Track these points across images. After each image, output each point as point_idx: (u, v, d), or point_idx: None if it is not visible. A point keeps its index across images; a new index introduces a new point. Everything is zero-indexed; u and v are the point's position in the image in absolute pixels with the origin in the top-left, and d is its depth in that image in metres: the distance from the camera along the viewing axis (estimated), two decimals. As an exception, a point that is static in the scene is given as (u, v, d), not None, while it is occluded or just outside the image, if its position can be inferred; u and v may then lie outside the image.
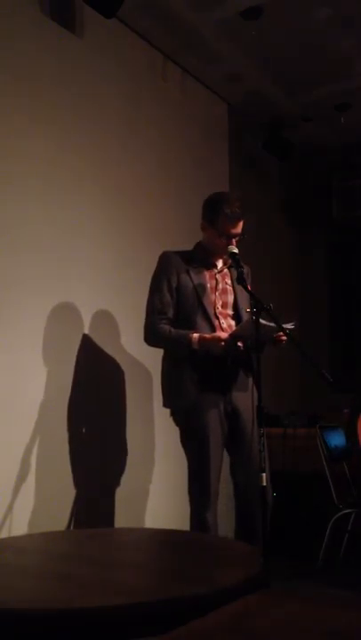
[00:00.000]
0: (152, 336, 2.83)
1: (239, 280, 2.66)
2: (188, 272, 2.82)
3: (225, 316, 2.84)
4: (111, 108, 3.61)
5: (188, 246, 2.95)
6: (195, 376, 2.72)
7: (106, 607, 1.17)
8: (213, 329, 2.75)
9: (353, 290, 5.57)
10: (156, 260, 2.90)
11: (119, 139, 3.65)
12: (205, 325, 2.75)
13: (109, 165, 3.56)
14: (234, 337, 2.66)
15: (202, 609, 1.19)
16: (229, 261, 2.82)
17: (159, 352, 2.89)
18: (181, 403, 2.75)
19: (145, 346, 2.90)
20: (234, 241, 2.79)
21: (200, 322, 2.75)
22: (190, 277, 2.81)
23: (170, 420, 2.84)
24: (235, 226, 2.79)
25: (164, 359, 2.88)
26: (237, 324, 2.81)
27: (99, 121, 3.51)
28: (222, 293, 2.87)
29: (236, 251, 2.75)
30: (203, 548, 1.87)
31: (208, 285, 2.83)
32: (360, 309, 5.52)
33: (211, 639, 1.01)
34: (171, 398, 2.82)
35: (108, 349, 3.47)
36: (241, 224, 2.81)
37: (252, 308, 2.53)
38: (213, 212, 2.80)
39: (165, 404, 2.84)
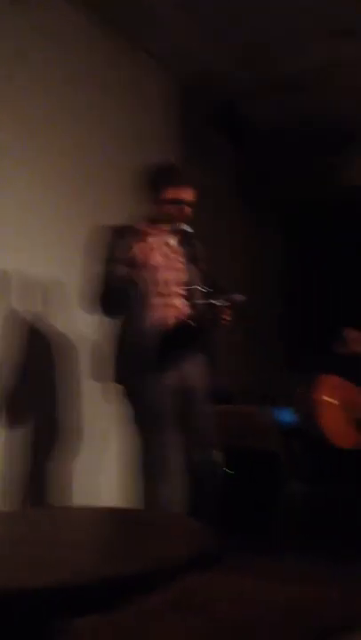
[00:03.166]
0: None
1: (191, 257, 2.64)
2: (138, 247, 2.68)
3: (177, 294, 2.80)
4: (55, 82, 3.51)
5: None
6: (147, 353, 2.67)
7: (50, 586, 1.13)
8: (167, 307, 2.71)
9: (309, 271, 5.63)
10: (94, 235, 2.78)
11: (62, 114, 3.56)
12: (158, 303, 2.71)
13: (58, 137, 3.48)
14: (185, 315, 2.64)
15: (150, 586, 1.17)
16: (181, 238, 2.78)
17: (107, 327, 2.82)
18: (133, 379, 2.71)
19: (88, 321, 2.81)
20: (186, 208, 2.74)
21: (153, 299, 2.71)
22: (141, 253, 2.72)
23: (122, 397, 2.81)
24: (185, 190, 2.74)
25: (116, 336, 2.82)
26: (189, 301, 2.79)
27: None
28: (175, 271, 2.81)
29: (188, 229, 2.71)
30: (152, 524, 1.85)
31: (161, 262, 2.77)
32: (316, 290, 5.58)
33: (161, 615, 0.99)
34: (121, 375, 2.77)
35: (44, 325, 3.39)
36: (190, 191, 2.76)
37: (202, 286, 2.52)
38: (159, 180, 2.75)
39: (116, 381, 2.80)
